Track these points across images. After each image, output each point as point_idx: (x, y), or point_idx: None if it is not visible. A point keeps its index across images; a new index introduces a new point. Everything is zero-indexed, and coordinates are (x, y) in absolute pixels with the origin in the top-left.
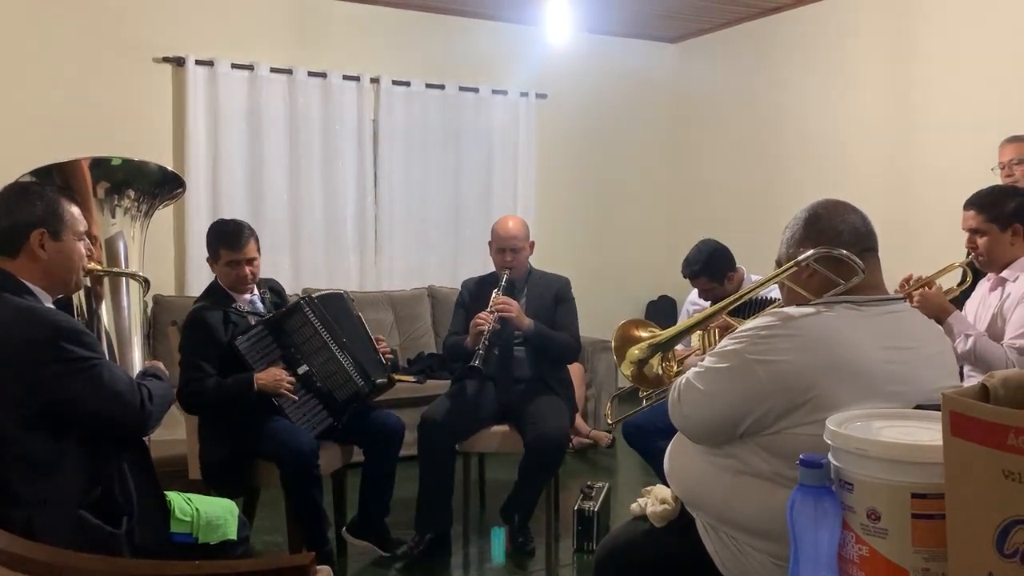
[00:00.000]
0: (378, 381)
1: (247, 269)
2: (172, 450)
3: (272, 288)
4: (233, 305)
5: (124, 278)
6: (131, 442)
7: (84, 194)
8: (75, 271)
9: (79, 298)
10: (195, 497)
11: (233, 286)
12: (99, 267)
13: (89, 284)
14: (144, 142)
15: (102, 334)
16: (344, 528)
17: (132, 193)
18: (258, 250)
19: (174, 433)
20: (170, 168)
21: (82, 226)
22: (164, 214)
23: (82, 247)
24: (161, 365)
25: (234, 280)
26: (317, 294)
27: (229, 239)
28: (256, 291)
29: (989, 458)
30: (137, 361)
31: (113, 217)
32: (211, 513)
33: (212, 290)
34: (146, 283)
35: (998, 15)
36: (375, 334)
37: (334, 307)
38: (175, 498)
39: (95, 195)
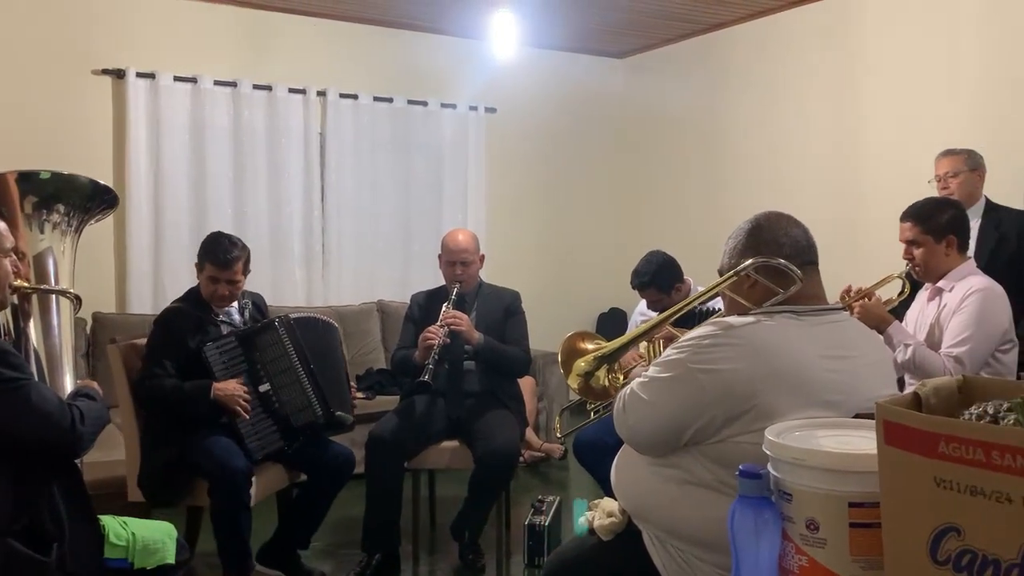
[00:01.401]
0: (337, 414)
1: (226, 289)
2: (110, 472)
3: (255, 303)
4: (210, 313)
5: (54, 295)
6: (61, 465)
7: (11, 209)
8: (1, 288)
9: (6, 316)
10: (131, 521)
11: (209, 300)
12: (27, 284)
13: (16, 302)
14: (83, 156)
15: (31, 354)
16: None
17: (62, 207)
18: (245, 272)
19: (111, 454)
20: (102, 182)
21: (8, 242)
22: (104, 229)
23: (8, 264)
24: (95, 385)
25: (210, 295)
26: (296, 315)
27: (216, 257)
28: (236, 302)
29: (921, 466)
30: (68, 382)
31: (42, 232)
32: (148, 537)
33: (193, 293)
34: (77, 300)
35: (936, 36)
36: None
37: (313, 333)
38: (109, 522)
39: (22, 210)
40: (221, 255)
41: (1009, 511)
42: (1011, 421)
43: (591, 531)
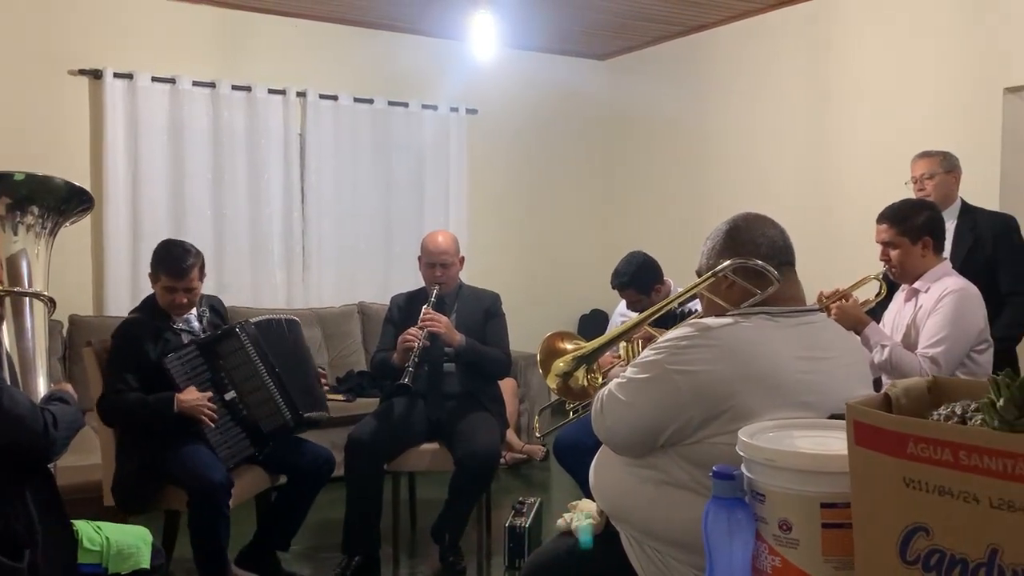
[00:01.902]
0: (307, 416)
1: (184, 298)
2: (84, 476)
3: (213, 307)
4: (168, 321)
5: (27, 298)
6: (34, 470)
7: None
8: None
9: None
10: (105, 525)
11: (167, 309)
12: None
13: None
14: (59, 157)
15: (3, 357)
16: (233, 559)
17: (36, 209)
18: (201, 277)
19: (87, 458)
20: (77, 184)
21: None
22: (81, 231)
23: None
24: (69, 388)
25: (168, 305)
26: (256, 319)
27: (170, 267)
28: (195, 309)
29: (891, 466)
30: (42, 385)
31: (15, 234)
32: (122, 542)
33: (149, 303)
34: (51, 303)
35: (913, 38)
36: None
37: (274, 334)
38: (83, 527)
39: None
40: (176, 265)
41: (976, 511)
42: (978, 422)
43: (570, 533)
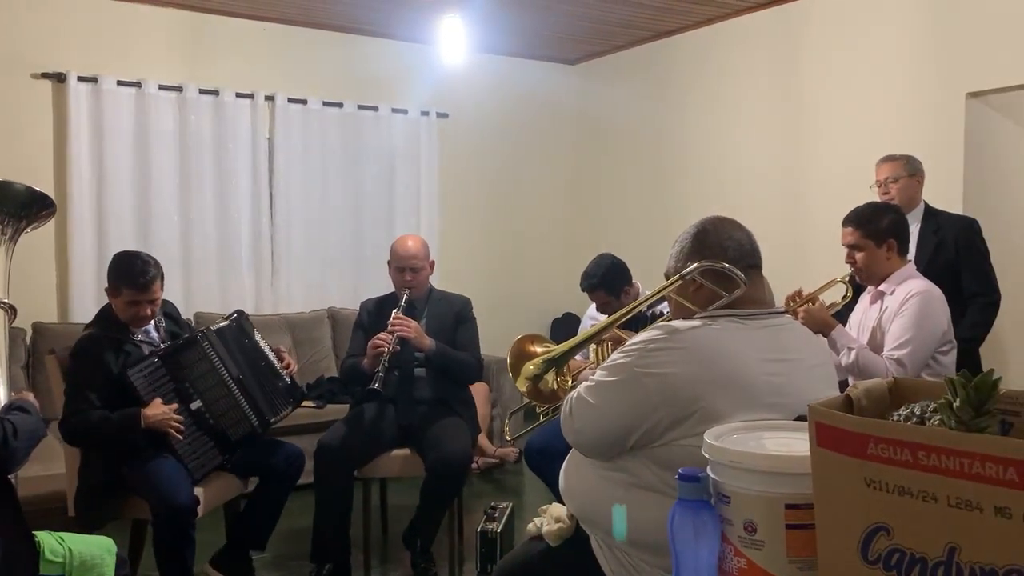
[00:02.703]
0: (273, 421)
1: (148, 309)
2: (48, 486)
3: (168, 314)
4: (127, 333)
5: None
6: None
7: None
8: None
9: None
10: (68, 536)
11: (129, 322)
12: None
13: None
14: (22, 161)
15: None
16: (208, 561)
17: None
18: (162, 288)
19: (51, 468)
20: (39, 189)
21: None
22: (44, 237)
23: None
24: (31, 397)
25: (131, 318)
26: (216, 326)
27: (134, 280)
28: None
29: (852, 467)
30: (2, 395)
31: None
32: (85, 552)
33: (104, 316)
34: (12, 311)
35: (878, 44)
36: (276, 346)
37: (233, 339)
38: (45, 538)
39: None
40: (139, 278)
41: (935, 510)
42: (936, 422)
43: (540, 537)
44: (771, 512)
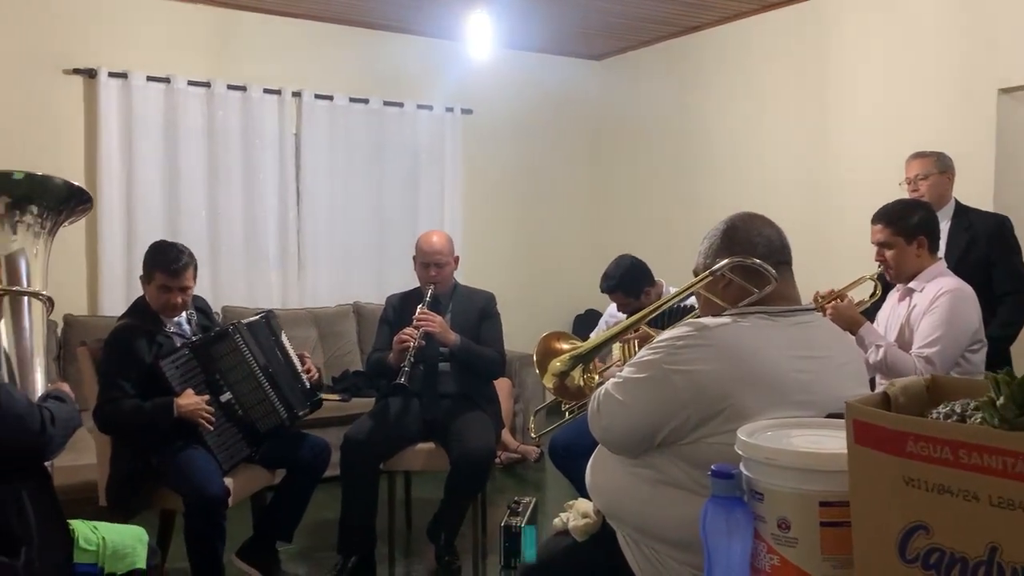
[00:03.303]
0: (301, 414)
1: (179, 297)
2: (80, 476)
3: (199, 308)
4: (160, 324)
5: (25, 297)
6: (31, 468)
7: None
8: None
9: None
10: (101, 525)
11: (160, 310)
12: None
13: None
14: (54, 156)
15: (0, 356)
16: (235, 552)
17: (35, 209)
18: (194, 278)
19: (82, 458)
20: (76, 183)
21: None
22: (75, 231)
23: None
24: (66, 387)
25: (162, 305)
26: (247, 321)
27: (167, 264)
28: (182, 314)
29: (890, 465)
30: (39, 384)
31: (14, 233)
32: (118, 542)
33: (138, 307)
34: (50, 303)
35: (907, 39)
36: (300, 350)
37: (262, 334)
38: (79, 527)
39: None
40: (171, 264)
41: (976, 509)
42: (978, 420)
43: (566, 532)
44: (805, 509)
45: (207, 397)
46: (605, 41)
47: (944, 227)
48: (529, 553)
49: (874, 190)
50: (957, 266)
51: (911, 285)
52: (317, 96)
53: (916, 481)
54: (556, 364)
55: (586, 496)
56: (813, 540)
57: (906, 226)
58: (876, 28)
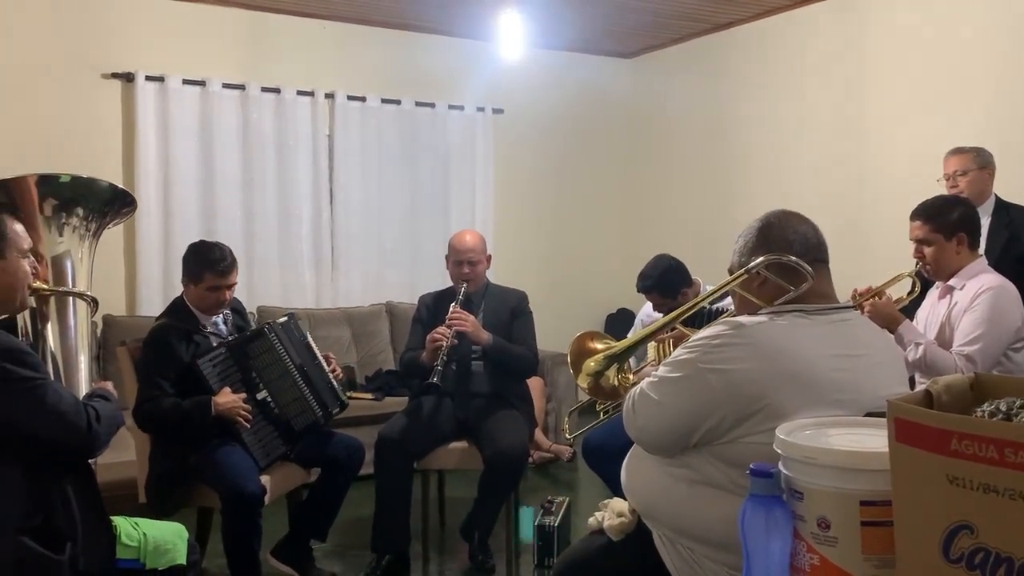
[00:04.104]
0: (333, 412)
1: (227, 294)
2: (120, 473)
3: (235, 308)
4: (196, 325)
5: (71, 298)
6: (76, 465)
7: (30, 211)
8: (19, 289)
9: (24, 318)
10: (142, 521)
11: (208, 309)
12: (45, 286)
13: (34, 303)
14: (93, 158)
15: (47, 355)
16: (270, 551)
17: (80, 211)
18: (237, 274)
19: (122, 455)
20: (121, 186)
21: (26, 244)
22: (114, 233)
23: (27, 265)
24: (110, 386)
25: (212, 304)
26: (279, 320)
27: (217, 265)
28: (219, 314)
29: (934, 464)
30: (84, 382)
31: (60, 235)
32: (159, 538)
33: (176, 308)
34: (94, 303)
35: (944, 33)
36: (325, 352)
37: (294, 334)
38: (121, 523)
39: (42, 212)
40: (219, 264)
41: (1023, 508)
42: None
43: (601, 531)
44: (846, 509)
45: (244, 395)
46: (636, 39)
47: (984, 223)
48: (525, 532)
49: (912, 186)
50: (998, 263)
51: (951, 282)
52: (350, 97)
53: (960, 480)
54: (590, 364)
55: (620, 496)
56: (854, 539)
57: (945, 222)
58: (912, 21)
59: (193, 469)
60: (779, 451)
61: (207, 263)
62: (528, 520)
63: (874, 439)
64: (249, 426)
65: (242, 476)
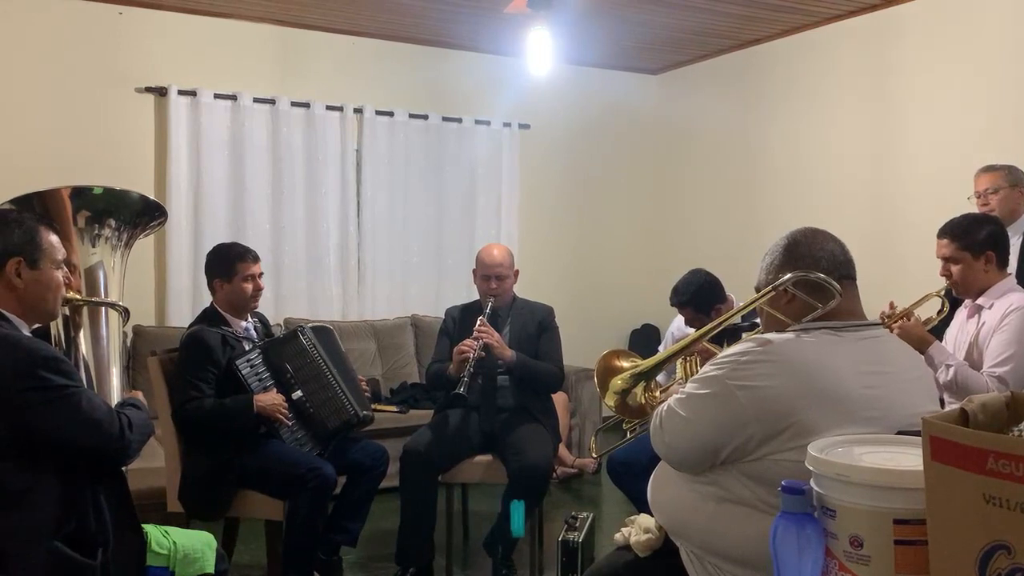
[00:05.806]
0: (364, 413)
1: (260, 283)
2: (150, 482)
3: (261, 320)
4: (229, 329)
5: (103, 308)
6: (108, 473)
7: (64, 222)
8: (53, 300)
9: (57, 327)
10: (172, 530)
11: (245, 304)
12: (78, 296)
13: (68, 313)
14: (126, 171)
15: (80, 363)
16: None
17: (113, 222)
18: None
19: (152, 463)
20: (152, 198)
21: (60, 254)
22: (145, 243)
23: (60, 276)
24: (140, 395)
25: (249, 296)
26: (310, 326)
27: (243, 255)
28: (249, 319)
29: (970, 482)
30: (116, 391)
31: (93, 246)
32: (188, 546)
33: (208, 315)
34: (126, 313)
35: (974, 50)
36: (355, 363)
37: (325, 339)
38: (152, 531)
39: (75, 224)
40: (248, 254)
41: None
42: None
43: (627, 547)
44: (879, 527)
45: (282, 395)
46: (663, 55)
47: (1015, 242)
48: (516, 528)
49: (942, 204)
50: None
51: (979, 301)
52: (378, 112)
53: (997, 499)
54: (617, 382)
55: (645, 510)
56: (887, 558)
57: (973, 241)
58: (942, 39)
59: (237, 473)
60: (811, 468)
61: (236, 255)
62: (519, 515)
63: (907, 457)
64: (290, 424)
65: (315, 461)
